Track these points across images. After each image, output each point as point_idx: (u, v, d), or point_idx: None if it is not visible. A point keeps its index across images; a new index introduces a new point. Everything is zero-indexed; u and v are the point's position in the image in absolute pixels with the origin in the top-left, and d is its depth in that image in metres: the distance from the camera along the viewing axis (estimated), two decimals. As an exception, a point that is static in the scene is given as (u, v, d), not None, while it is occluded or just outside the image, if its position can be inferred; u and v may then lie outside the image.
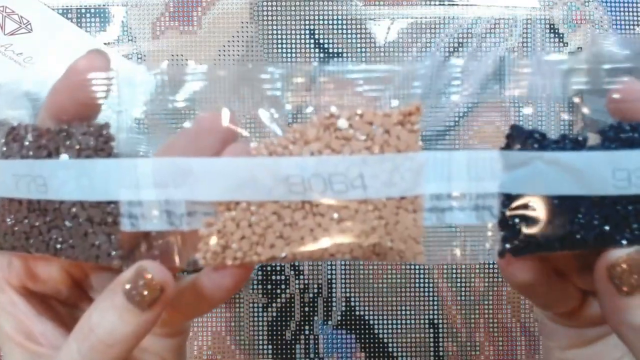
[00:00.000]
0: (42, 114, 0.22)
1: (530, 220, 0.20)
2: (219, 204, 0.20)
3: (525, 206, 0.20)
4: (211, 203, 0.20)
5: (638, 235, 0.20)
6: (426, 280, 0.40)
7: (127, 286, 0.19)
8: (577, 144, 0.20)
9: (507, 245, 0.20)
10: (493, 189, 0.20)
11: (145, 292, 0.19)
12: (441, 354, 0.40)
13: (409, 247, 0.20)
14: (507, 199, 0.20)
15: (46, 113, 0.22)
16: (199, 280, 0.22)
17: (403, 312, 0.40)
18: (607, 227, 0.20)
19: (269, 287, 0.40)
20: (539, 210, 0.20)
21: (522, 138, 0.20)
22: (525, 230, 0.20)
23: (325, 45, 0.41)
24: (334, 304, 0.40)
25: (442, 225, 0.20)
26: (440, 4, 0.41)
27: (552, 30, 0.41)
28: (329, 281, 0.40)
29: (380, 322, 0.40)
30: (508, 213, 0.20)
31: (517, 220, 0.20)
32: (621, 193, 0.19)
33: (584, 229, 0.20)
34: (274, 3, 0.41)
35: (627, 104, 0.21)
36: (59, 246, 0.21)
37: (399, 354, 0.40)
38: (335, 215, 0.19)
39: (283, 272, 0.40)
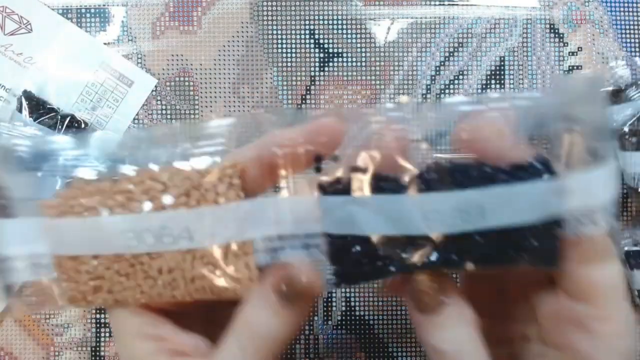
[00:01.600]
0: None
1: (353, 255, 0.22)
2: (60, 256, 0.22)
3: (347, 243, 0.22)
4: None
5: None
6: (426, 280, 0.40)
7: (282, 286, 0.21)
8: (389, 189, 0.21)
9: (338, 277, 0.22)
10: (317, 229, 0.22)
11: (298, 291, 0.21)
12: (441, 353, 0.40)
13: (244, 286, 0.22)
14: (331, 237, 0.22)
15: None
16: None
17: (403, 312, 0.40)
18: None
19: (269, 287, 0.40)
20: (359, 247, 0.22)
21: (336, 182, 0.22)
22: (351, 264, 0.22)
23: (325, 45, 0.41)
24: (333, 304, 0.40)
25: (277, 261, 0.22)
26: (440, 4, 0.41)
27: (552, 30, 0.41)
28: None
29: (380, 322, 0.40)
30: (334, 250, 0.22)
31: (342, 255, 0.22)
32: (434, 232, 0.21)
33: (392, 262, 0.21)
34: (274, 3, 0.41)
35: (475, 143, 0.22)
36: None
37: (399, 354, 0.40)
38: (165, 267, 0.22)
39: (283, 272, 0.40)
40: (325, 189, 0.22)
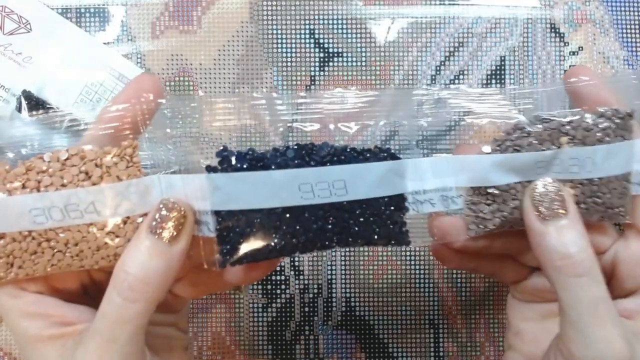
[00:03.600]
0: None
1: (242, 234, 0.22)
2: None
3: (234, 220, 0.22)
4: None
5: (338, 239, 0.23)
6: (426, 280, 0.40)
7: (153, 223, 0.22)
8: (268, 165, 0.22)
9: (227, 257, 0.23)
10: (206, 207, 0.22)
11: (170, 223, 0.22)
12: (441, 354, 0.40)
13: None
14: (219, 215, 0.22)
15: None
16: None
17: (403, 312, 0.40)
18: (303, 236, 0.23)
19: (269, 287, 0.40)
20: (246, 225, 0.22)
21: (222, 160, 0.23)
22: (240, 244, 0.22)
23: (325, 45, 0.41)
24: (334, 304, 0.40)
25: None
26: (440, 4, 0.41)
27: (552, 30, 0.41)
28: (329, 281, 0.40)
29: (380, 322, 0.40)
30: (221, 228, 0.22)
31: (231, 234, 0.22)
32: (308, 203, 0.22)
33: (284, 240, 0.22)
34: (274, 3, 0.41)
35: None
36: None
37: (399, 354, 0.40)
38: (72, 240, 0.23)
39: (283, 273, 0.40)
40: (212, 168, 0.23)
